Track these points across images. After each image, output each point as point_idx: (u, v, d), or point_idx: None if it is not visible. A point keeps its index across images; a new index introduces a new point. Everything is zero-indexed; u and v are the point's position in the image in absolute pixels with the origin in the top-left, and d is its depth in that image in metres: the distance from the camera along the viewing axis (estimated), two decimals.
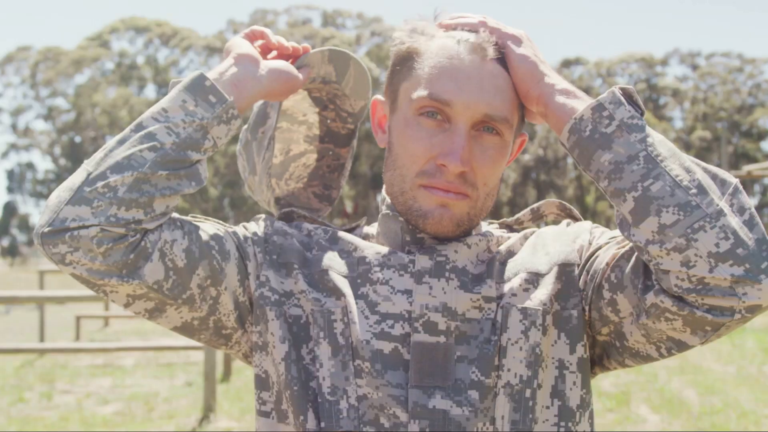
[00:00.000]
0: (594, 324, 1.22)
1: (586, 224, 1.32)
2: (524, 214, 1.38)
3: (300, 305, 1.23)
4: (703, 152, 71.50)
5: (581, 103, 1.15)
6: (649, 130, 1.09)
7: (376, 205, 46.60)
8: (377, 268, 1.23)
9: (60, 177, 62.84)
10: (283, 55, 1.34)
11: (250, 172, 1.44)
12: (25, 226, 66.75)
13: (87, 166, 1.13)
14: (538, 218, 1.39)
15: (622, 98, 1.11)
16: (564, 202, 1.37)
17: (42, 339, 12.11)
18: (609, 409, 7.21)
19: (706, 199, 1.04)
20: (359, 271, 1.24)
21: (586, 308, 1.22)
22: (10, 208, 67.33)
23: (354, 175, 54.78)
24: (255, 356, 1.25)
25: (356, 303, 1.20)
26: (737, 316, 1.03)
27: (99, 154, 1.13)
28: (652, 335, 1.13)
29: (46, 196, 65.11)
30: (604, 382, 8.41)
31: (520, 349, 1.17)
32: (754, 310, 1.03)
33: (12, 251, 63.39)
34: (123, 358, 10.82)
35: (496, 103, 1.18)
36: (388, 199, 1.30)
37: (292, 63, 1.34)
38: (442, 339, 1.17)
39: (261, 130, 1.39)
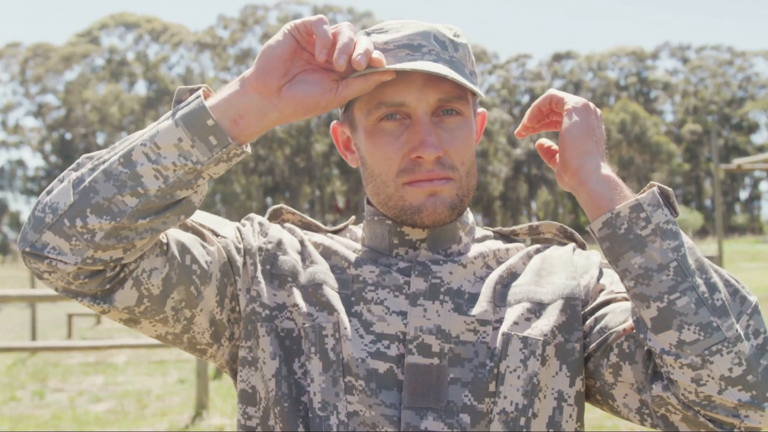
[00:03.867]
0: (585, 369, 1.23)
1: (595, 258, 1.31)
2: (521, 228, 1.38)
3: (292, 318, 1.23)
4: (693, 145, 71.77)
5: (619, 196, 1.12)
6: (682, 236, 1.09)
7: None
8: (371, 288, 1.23)
9: (50, 174, 62.66)
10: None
11: None
12: (15, 223, 66.46)
13: (73, 189, 1.08)
14: (535, 235, 1.39)
15: (661, 200, 1.10)
16: (565, 226, 1.37)
17: (34, 337, 12.08)
18: None
19: (726, 322, 1.05)
20: (353, 289, 1.24)
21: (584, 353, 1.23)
22: (1, 206, 67.06)
23: (345, 170, 54.72)
24: (242, 371, 1.25)
25: (350, 321, 1.20)
26: None
27: (86, 177, 1.08)
28: (645, 409, 1.15)
29: (36, 194, 64.79)
30: None
31: (518, 377, 1.17)
32: (752, 431, 1.07)
33: (3, 249, 63.12)
34: (115, 356, 10.81)
35: (445, 87, 1.19)
36: (371, 207, 1.30)
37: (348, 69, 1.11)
38: (435, 361, 1.17)
39: None
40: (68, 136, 64.16)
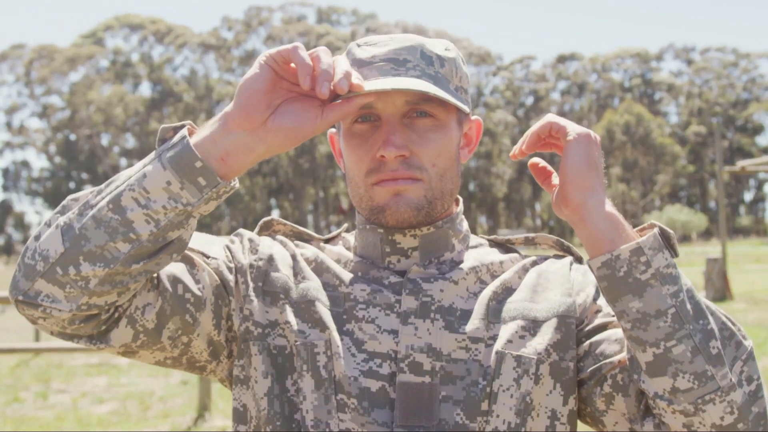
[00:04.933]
0: (578, 393, 1.23)
1: (592, 276, 1.29)
2: (517, 238, 1.37)
3: (285, 335, 1.23)
4: (698, 147, 71.63)
5: (621, 237, 1.10)
6: (681, 280, 1.09)
7: None
8: (363, 306, 1.23)
9: (55, 175, 62.78)
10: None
11: None
12: (20, 224, 66.64)
13: (63, 236, 1.07)
14: (530, 244, 1.38)
15: (662, 242, 1.09)
16: (561, 240, 1.36)
17: (37, 338, 12.09)
18: None
19: (721, 371, 1.05)
20: (345, 306, 1.24)
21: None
22: (6, 207, 67.24)
23: None
24: (235, 389, 1.25)
25: (341, 339, 1.20)
26: None
27: (75, 223, 1.07)
28: None
29: (41, 195, 64.91)
30: None
31: (511, 396, 1.17)
32: None
33: (7, 249, 63.35)
34: (118, 357, 10.81)
35: (414, 89, 1.18)
36: (362, 216, 1.29)
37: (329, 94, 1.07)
38: (427, 379, 1.17)
39: None
40: (73, 137, 64.28)
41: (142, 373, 9.62)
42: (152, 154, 1.10)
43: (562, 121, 1.16)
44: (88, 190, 1.12)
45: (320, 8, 72.26)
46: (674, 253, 1.11)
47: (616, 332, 1.19)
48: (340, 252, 1.32)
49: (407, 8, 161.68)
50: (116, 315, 1.13)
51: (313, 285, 1.26)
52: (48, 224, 1.10)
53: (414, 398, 1.16)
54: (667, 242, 1.11)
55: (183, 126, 1.11)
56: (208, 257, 1.26)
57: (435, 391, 1.17)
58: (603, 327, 1.22)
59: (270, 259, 1.28)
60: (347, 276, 1.27)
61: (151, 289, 1.15)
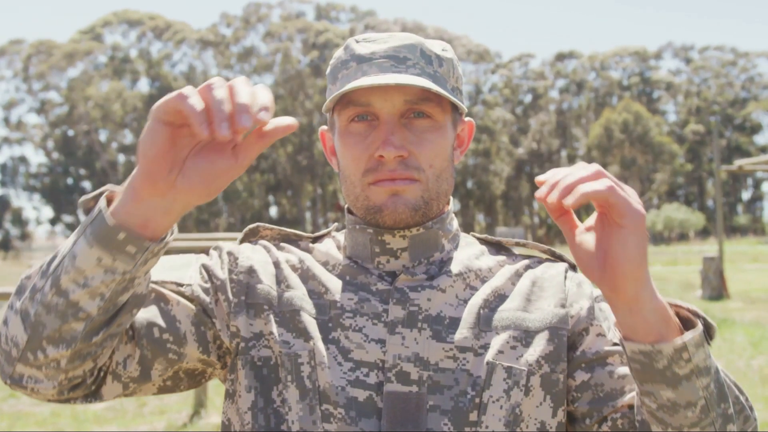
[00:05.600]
0: (571, 425, 1.24)
1: (587, 288, 1.29)
2: (508, 241, 1.37)
3: (269, 346, 1.23)
4: (696, 146, 71.68)
5: (668, 329, 1.04)
6: (712, 368, 1.07)
7: None
8: (349, 314, 1.23)
9: (53, 171, 62.67)
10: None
11: None
12: (18, 220, 66.55)
13: (23, 323, 1.06)
14: (521, 247, 1.38)
15: (705, 335, 1.07)
16: (554, 249, 1.36)
17: None
18: None
19: None
20: (331, 314, 1.23)
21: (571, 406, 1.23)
22: (3, 202, 67.13)
23: None
24: (224, 403, 1.26)
25: (327, 347, 1.20)
26: None
27: (30, 309, 1.05)
28: None
29: (39, 190, 64.77)
30: None
31: (501, 407, 1.17)
32: None
33: (5, 245, 63.26)
34: None
35: (413, 89, 1.19)
36: (352, 216, 1.29)
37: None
38: (414, 389, 1.17)
39: None
40: (71, 132, 64.18)
41: None
42: (79, 228, 1.05)
43: (622, 196, 0.98)
44: (38, 266, 1.09)
45: (319, 5, 72.20)
46: (710, 341, 1.10)
47: (619, 370, 1.19)
48: (328, 252, 1.31)
49: (406, 5, 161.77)
50: (101, 375, 1.14)
51: (298, 294, 1.25)
52: (11, 307, 1.10)
53: (401, 408, 1.16)
54: (706, 332, 1.09)
55: (102, 194, 1.06)
56: (182, 285, 1.23)
57: (422, 401, 1.17)
58: (604, 359, 1.21)
59: (250, 271, 1.27)
60: (334, 283, 1.26)
61: (128, 341, 1.16)
